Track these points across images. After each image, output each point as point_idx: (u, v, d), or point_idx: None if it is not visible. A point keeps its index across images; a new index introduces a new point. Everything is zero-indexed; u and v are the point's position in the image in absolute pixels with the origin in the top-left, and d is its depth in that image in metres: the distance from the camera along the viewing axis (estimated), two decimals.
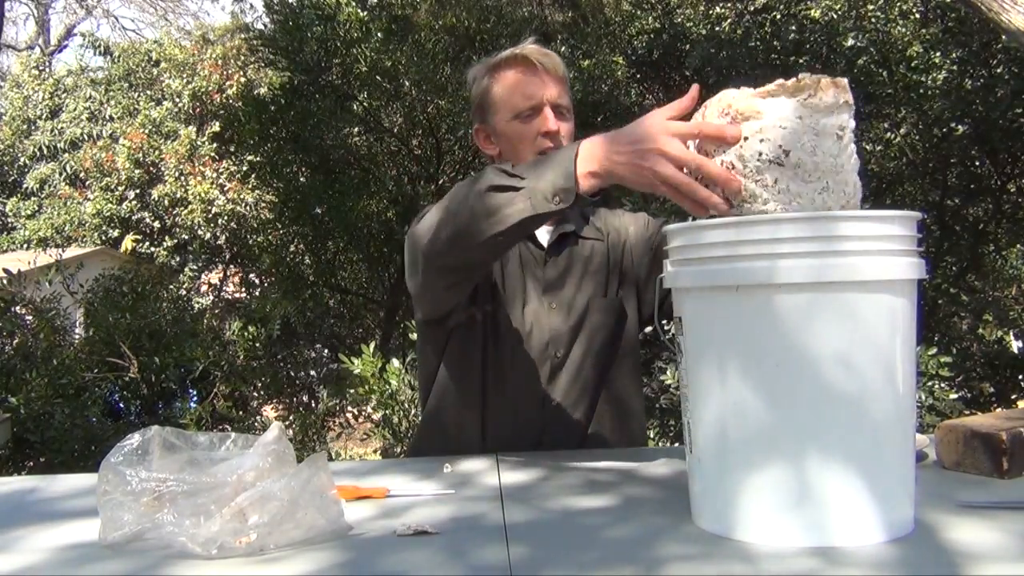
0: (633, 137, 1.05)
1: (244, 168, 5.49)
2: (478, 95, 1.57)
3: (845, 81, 1.00)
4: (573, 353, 1.56)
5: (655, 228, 1.64)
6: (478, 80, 1.57)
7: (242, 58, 10.13)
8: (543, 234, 1.60)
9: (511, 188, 1.15)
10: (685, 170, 1.01)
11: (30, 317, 4.71)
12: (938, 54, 4.18)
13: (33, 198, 12.24)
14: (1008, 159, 4.22)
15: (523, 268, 1.58)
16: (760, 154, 0.97)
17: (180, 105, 11.07)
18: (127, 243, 10.58)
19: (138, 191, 10.73)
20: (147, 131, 10.84)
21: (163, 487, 1.01)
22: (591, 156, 1.09)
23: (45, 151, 12.45)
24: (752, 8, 4.62)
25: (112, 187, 10.83)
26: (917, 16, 4.62)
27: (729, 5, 4.86)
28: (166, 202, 10.48)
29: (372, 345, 4.08)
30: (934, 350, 3.11)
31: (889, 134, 4.74)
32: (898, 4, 4.63)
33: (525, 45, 1.53)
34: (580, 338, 1.57)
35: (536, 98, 1.50)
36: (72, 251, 8.73)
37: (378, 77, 4.71)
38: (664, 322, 2.10)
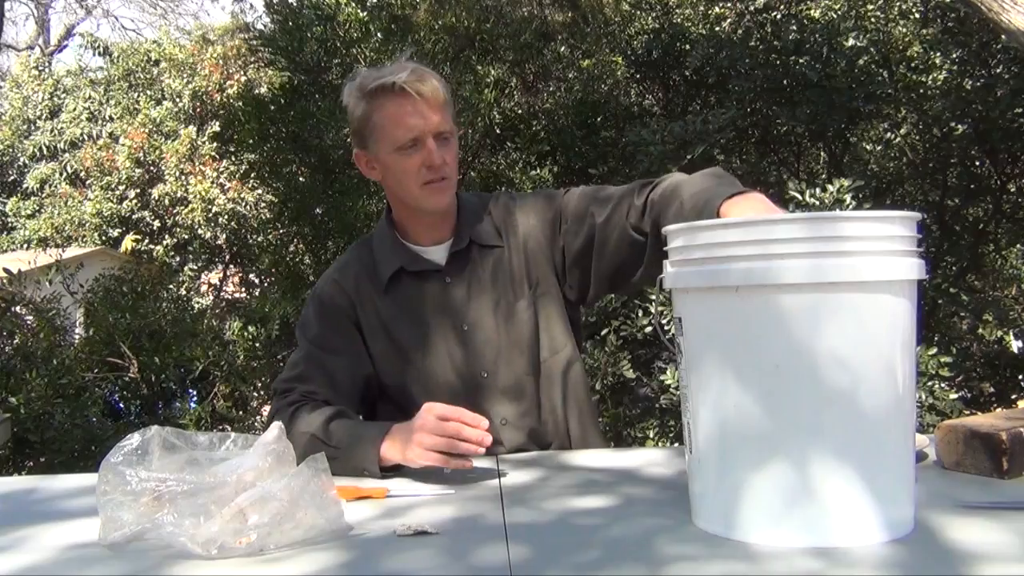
0: (408, 431, 1.28)
1: (244, 168, 5.48)
2: (356, 120, 1.52)
3: None
4: (502, 367, 1.54)
5: (560, 202, 1.58)
6: (355, 104, 1.51)
7: (242, 58, 10.12)
8: (439, 254, 1.56)
9: (330, 446, 1.32)
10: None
11: (30, 317, 4.70)
12: (938, 54, 4.18)
13: (33, 198, 12.24)
14: (1008, 159, 4.21)
15: (426, 302, 1.55)
16: None
17: (180, 105, 11.07)
18: (127, 243, 10.58)
19: (138, 190, 10.73)
20: (147, 131, 10.84)
21: (163, 487, 1.01)
22: (390, 448, 1.30)
23: (45, 151, 12.44)
24: (752, 8, 4.62)
25: (112, 186, 10.83)
26: (917, 16, 4.62)
27: (729, 5, 4.85)
28: (166, 201, 10.47)
29: None
30: (934, 350, 3.11)
31: (889, 134, 4.73)
32: (898, 4, 4.63)
33: (401, 69, 1.48)
34: (506, 350, 1.54)
35: (417, 130, 1.46)
36: (72, 251, 8.72)
37: None
38: (664, 322, 2.10)
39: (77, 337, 5.17)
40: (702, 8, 5.08)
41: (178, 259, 10.41)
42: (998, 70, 3.99)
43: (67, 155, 12.14)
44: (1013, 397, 4.24)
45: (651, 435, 3.73)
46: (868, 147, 4.84)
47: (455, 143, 1.54)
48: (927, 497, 1.06)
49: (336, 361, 1.52)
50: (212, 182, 10.14)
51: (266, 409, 5.84)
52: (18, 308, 4.69)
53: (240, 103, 5.28)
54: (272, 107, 4.85)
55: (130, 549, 1.00)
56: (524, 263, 1.58)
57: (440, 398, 1.47)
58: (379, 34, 4.80)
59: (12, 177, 13.03)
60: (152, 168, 10.69)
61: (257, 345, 5.24)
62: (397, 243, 1.58)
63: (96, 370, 4.60)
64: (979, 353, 4.25)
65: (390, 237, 1.59)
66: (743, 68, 4.09)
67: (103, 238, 10.90)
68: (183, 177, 10.37)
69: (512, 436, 1.53)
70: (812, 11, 4.46)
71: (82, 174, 11.63)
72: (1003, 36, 3.23)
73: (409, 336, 1.54)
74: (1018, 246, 5.02)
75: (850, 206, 3.03)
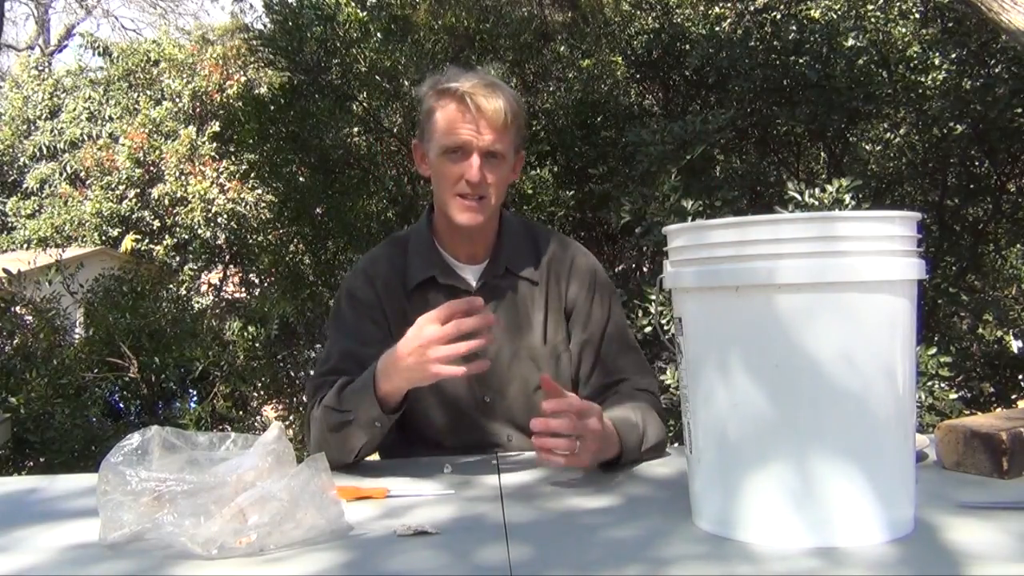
0: (407, 353, 1.25)
1: (244, 168, 5.48)
2: (422, 113, 1.52)
3: None
4: (510, 395, 1.52)
5: (600, 311, 1.57)
6: (425, 97, 1.51)
7: (242, 58, 10.12)
8: (472, 274, 1.54)
9: (345, 423, 1.33)
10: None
11: (30, 317, 4.70)
12: (937, 54, 4.17)
13: (33, 198, 12.24)
14: (1007, 159, 4.21)
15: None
16: None
17: (180, 105, 11.07)
18: (127, 243, 10.58)
19: (138, 190, 10.74)
20: (147, 131, 10.84)
21: (163, 487, 1.01)
22: (383, 375, 1.30)
23: (45, 151, 12.44)
24: (752, 8, 4.61)
25: (112, 186, 10.84)
26: (916, 16, 4.61)
27: (729, 5, 4.85)
28: (166, 201, 10.48)
29: None
30: (934, 350, 3.10)
31: (889, 134, 4.72)
32: (898, 4, 4.62)
33: (475, 78, 1.47)
34: (512, 382, 1.52)
35: (463, 141, 1.45)
36: (72, 251, 8.73)
37: (378, 77, 4.69)
38: (664, 322, 2.10)
39: (77, 337, 5.17)
40: (702, 8, 5.07)
41: (178, 259, 10.42)
42: (997, 70, 3.99)
43: (67, 155, 12.15)
44: (1013, 397, 4.24)
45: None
46: (867, 147, 4.83)
47: (506, 166, 1.51)
48: (927, 497, 1.06)
49: (369, 352, 1.46)
50: (212, 182, 10.14)
51: (266, 409, 5.85)
52: (18, 308, 4.69)
53: (240, 103, 5.28)
54: (272, 107, 4.85)
55: (130, 549, 1.00)
56: (558, 311, 1.56)
57: (443, 409, 1.49)
58: (379, 34, 4.80)
59: (12, 177, 13.03)
60: (152, 168, 10.70)
61: (257, 345, 5.25)
62: (434, 249, 1.55)
63: (96, 370, 4.60)
64: (979, 353, 4.24)
65: (428, 241, 1.56)
66: (743, 68, 4.08)
67: (103, 238, 10.91)
68: (183, 177, 10.38)
69: (519, 447, 1.53)
70: (812, 11, 4.45)
71: (82, 174, 11.64)
72: (1002, 36, 3.23)
73: None
74: (1018, 246, 5.01)
75: (849, 206, 3.03)
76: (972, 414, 2.71)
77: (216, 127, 7.61)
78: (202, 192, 10.06)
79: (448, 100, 1.47)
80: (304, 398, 6.20)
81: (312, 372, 1.53)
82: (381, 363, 1.31)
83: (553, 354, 1.55)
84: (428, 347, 1.22)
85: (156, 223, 10.73)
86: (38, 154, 12.52)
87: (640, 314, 3.44)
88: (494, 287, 1.53)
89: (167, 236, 10.65)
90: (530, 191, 4.54)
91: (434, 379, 1.25)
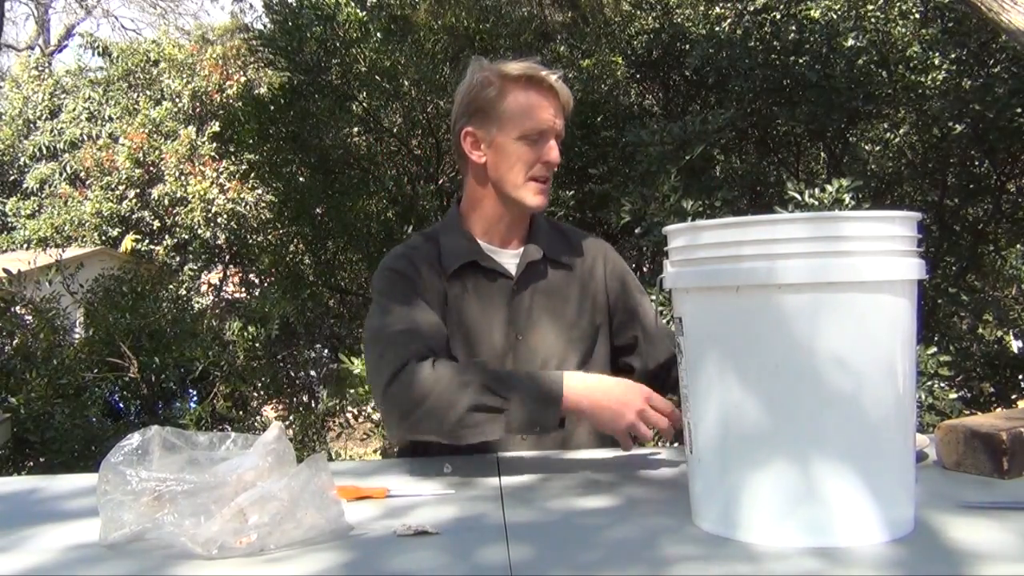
0: (619, 397, 1.33)
1: (244, 168, 5.49)
2: (481, 99, 1.51)
3: None
4: None
5: (631, 282, 1.66)
6: (485, 83, 1.51)
7: (242, 58, 10.13)
8: (510, 263, 1.56)
9: (494, 409, 1.31)
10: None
11: (30, 317, 4.70)
12: (937, 54, 4.17)
13: (33, 198, 12.24)
14: (1007, 159, 4.21)
15: (487, 302, 1.54)
16: None
17: (180, 105, 11.07)
18: (127, 243, 10.58)
19: (138, 190, 10.74)
20: (147, 131, 10.84)
21: (163, 487, 1.01)
22: (578, 394, 1.33)
23: (45, 151, 12.44)
24: (752, 8, 4.61)
25: (112, 186, 10.83)
26: (916, 16, 4.61)
27: (729, 5, 4.85)
28: (166, 201, 10.48)
29: None
30: (934, 350, 3.11)
31: (888, 134, 4.73)
32: (898, 4, 4.62)
33: (543, 68, 1.51)
34: (547, 366, 1.53)
35: (547, 125, 1.50)
36: (72, 251, 8.72)
37: (377, 77, 4.70)
38: (664, 322, 2.10)
39: (77, 337, 5.17)
40: (702, 8, 5.07)
41: (178, 259, 10.42)
42: (997, 70, 3.99)
43: (67, 155, 12.14)
44: (1013, 397, 4.24)
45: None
46: (867, 147, 4.84)
47: None
48: (927, 497, 1.06)
49: (431, 316, 1.46)
50: (212, 182, 10.14)
51: (266, 409, 5.85)
52: (18, 308, 4.69)
53: (240, 103, 5.28)
54: (272, 107, 4.85)
55: (130, 549, 1.00)
56: (591, 297, 1.60)
57: None
58: (378, 34, 4.80)
59: (12, 177, 13.02)
60: (152, 168, 10.69)
61: (257, 345, 5.25)
62: (470, 237, 1.57)
63: (96, 370, 4.60)
64: (979, 353, 4.24)
65: (461, 233, 1.57)
66: (743, 68, 4.08)
67: (103, 238, 10.91)
68: (183, 177, 10.38)
69: (531, 445, 1.53)
70: (811, 11, 4.45)
71: (82, 174, 11.63)
72: (1003, 36, 3.23)
73: (463, 329, 1.52)
74: (1018, 246, 5.02)
75: (849, 206, 3.03)
76: (972, 414, 2.71)
77: (216, 127, 7.62)
78: (202, 192, 10.06)
79: (526, 86, 1.51)
80: (311, 394, 6.20)
81: (371, 343, 1.44)
82: (579, 383, 1.34)
83: (588, 336, 1.58)
84: (640, 415, 1.31)
85: (156, 223, 10.72)
86: (38, 154, 12.51)
87: None
88: (532, 270, 1.57)
89: (167, 236, 10.65)
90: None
91: (611, 431, 1.34)
